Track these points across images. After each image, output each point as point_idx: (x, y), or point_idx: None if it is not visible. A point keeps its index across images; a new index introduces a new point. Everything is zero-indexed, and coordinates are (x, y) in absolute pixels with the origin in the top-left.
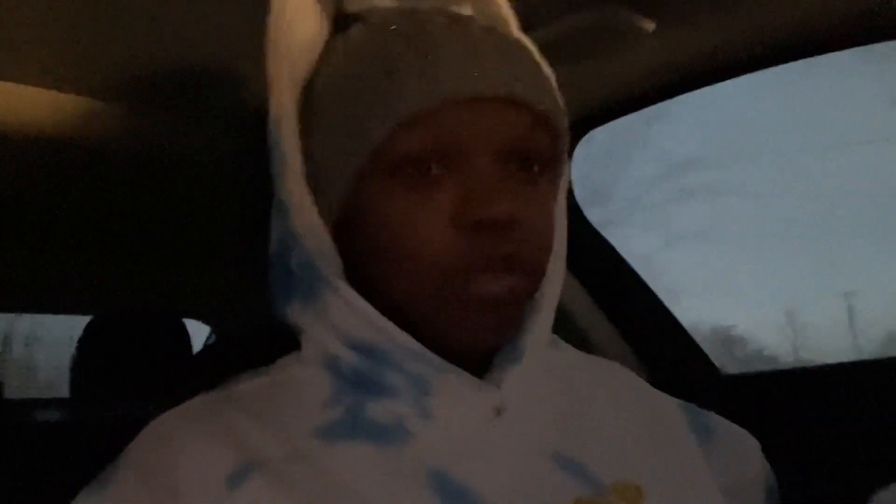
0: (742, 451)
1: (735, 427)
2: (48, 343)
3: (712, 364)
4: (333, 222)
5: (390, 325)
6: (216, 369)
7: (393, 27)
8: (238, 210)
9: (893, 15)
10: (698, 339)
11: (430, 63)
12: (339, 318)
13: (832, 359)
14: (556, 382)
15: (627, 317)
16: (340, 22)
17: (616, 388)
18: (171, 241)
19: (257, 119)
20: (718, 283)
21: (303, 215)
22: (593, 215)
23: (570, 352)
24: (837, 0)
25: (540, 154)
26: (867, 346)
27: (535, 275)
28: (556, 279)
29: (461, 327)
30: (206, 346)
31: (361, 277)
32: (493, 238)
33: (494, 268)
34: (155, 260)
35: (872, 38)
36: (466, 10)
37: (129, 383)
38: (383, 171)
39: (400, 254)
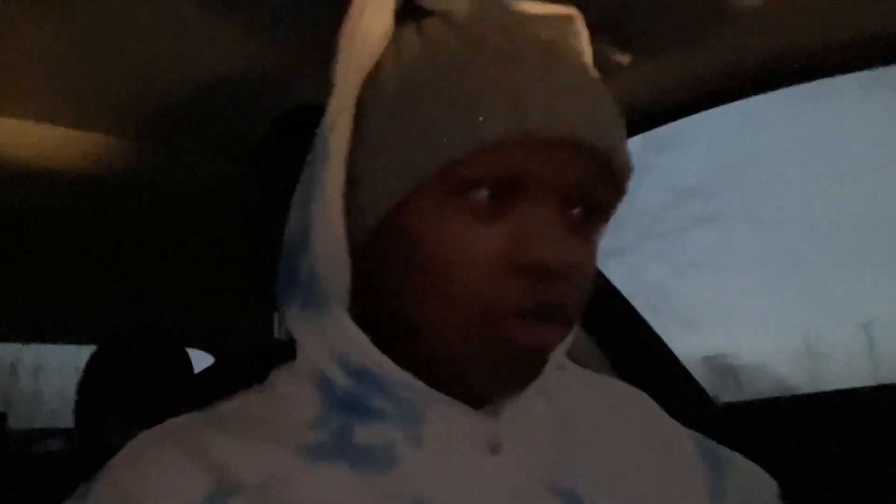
0: (757, 492)
1: (751, 466)
2: (54, 372)
3: (705, 393)
4: (365, 234)
5: (383, 358)
6: (213, 390)
7: (482, 34)
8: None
9: (869, 45)
10: (712, 369)
11: (521, 91)
12: (335, 338)
13: None
14: (557, 408)
15: (618, 345)
16: (407, 13)
17: (623, 413)
18: (175, 272)
19: (259, 151)
20: (733, 312)
21: (328, 228)
22: (604, 244)
23: (576, 373)
24: (813, 32)
25: (600, 205)
26: (888, 375)
27: (573, 325)
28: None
29: (487, 373)
30: (205, 369)
31: (383, 295)
32: (543, 285)
33: (537, 316)
34: (159, 291)
35: (851, 68)
36: (552, 34)
37: (134, 413)
38: (444, 192)
39: (441, 282)
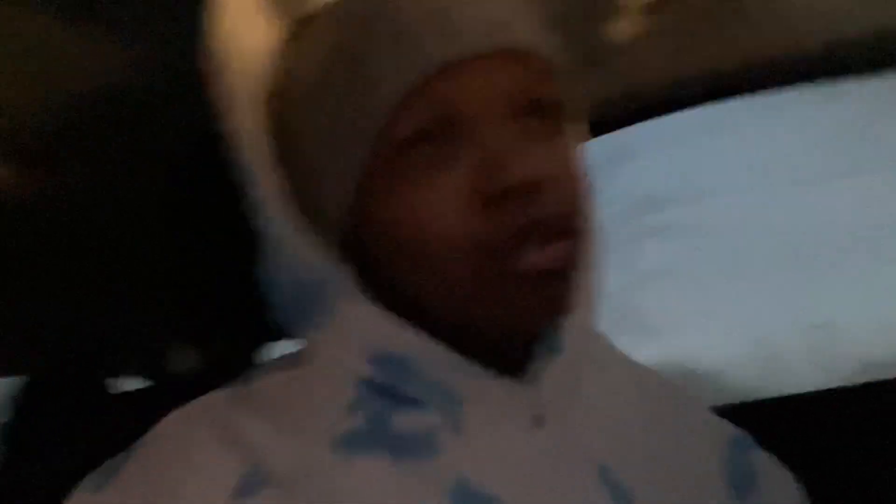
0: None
1: (782, 475)
2: None
3: None
4: (342, 233)
5: (411, 332)
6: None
7: (354, 13)
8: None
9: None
10: (676, 375)
11: (411, 35)
12: (354, 330)
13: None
14: (607, 385)
15: None
16: (295, 30)
17: (668, 408)
18: (102, 298)
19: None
20: (691, 319)
21: (286, 230)
22: None
23: (621, 355)
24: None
25: (554, 103)
26: (842, 377)
27: (581, 235)
28: (590, 253)
29: (510, 311)
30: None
31: (382, 287)
32: (524, 204)
33: (537, 236)
34: (86, 318)
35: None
36: None
37: (58, 447)
38: (390, 159)
39: (424, 246)
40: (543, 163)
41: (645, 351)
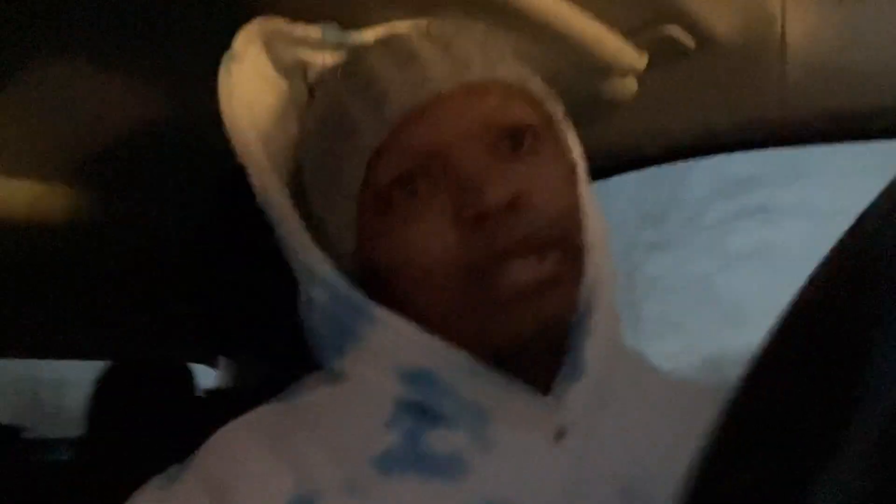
0: None
1: None
2: (76, 386)
3: None
4: (353, 268)
5: (438, 343)
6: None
7: (338, 76)
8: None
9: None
10: None
11: (379, 87)
12: (383, 346)
13: None
14: (639, 403)
15: None
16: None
17: (699, 417)
18: (184, 289)
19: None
20: (782, 306)
21: (316, 267)
22: (648, 237)
23: (657, 372)
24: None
25: (525, 124)
26: None
27: (567, 248)
28: (604, 273)
29: (505, 325)
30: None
31: (400, 308)
32: (502, 225)
33: (519, 252)
34: (167, 307)
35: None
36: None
37: (140, 426)
38: (377, 204)
39: (419, 277)
40: (518, 182)
41: (732, 336)
